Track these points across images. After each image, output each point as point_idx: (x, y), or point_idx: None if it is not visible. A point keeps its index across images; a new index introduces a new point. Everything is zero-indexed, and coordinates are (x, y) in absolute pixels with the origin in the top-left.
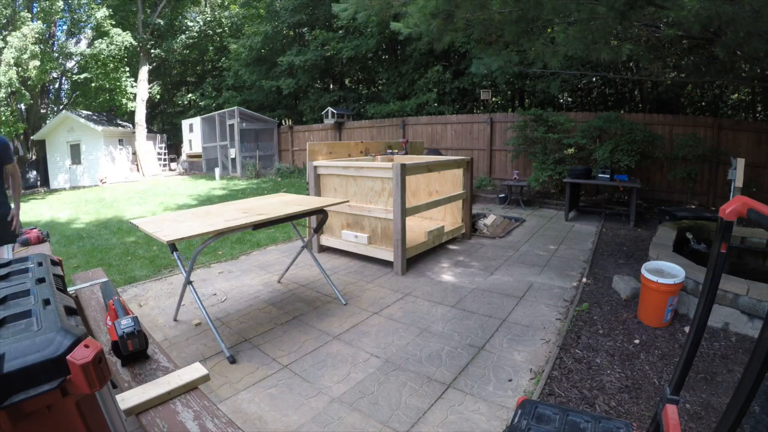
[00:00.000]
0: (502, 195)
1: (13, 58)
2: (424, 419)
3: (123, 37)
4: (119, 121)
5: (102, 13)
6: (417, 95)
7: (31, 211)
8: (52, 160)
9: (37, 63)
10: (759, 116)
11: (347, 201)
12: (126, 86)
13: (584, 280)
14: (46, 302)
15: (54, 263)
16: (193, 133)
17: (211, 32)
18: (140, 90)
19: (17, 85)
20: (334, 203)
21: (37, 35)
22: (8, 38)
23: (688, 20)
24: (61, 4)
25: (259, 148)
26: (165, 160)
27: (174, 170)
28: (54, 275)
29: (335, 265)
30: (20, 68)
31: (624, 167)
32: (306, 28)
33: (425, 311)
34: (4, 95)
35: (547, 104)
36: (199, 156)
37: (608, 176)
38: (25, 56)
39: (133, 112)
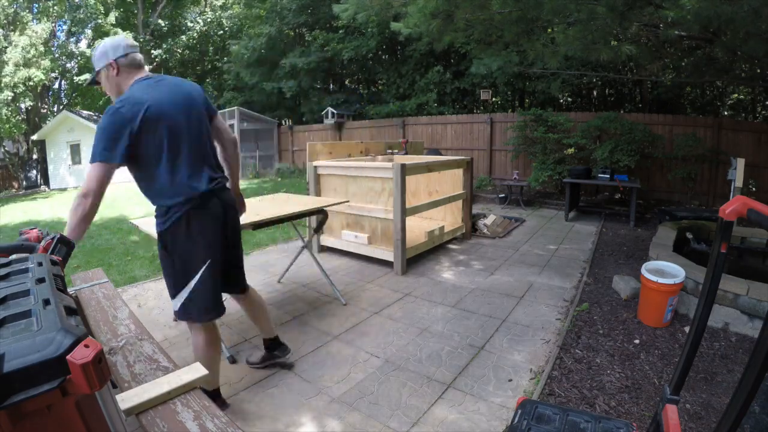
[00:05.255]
0: (502, 195)
1: (21, 58)
2: (424, 419)
3: None
4: None
5: (111, 18)
6: (417, 95)
7: (32, 211)
8: (52, 160)
9: (48, 63)
10: (759, 116)
11: (347, 201)
12: None
13: (584, 280)
14: (46, 302)
15: (54, 263)
16: None
17: (211, 33)
18: None
19: (22, 87)
20: (334, 203)
21: (39, 38)
22: (13, 39)
23: (687, 20)
24: (63, 6)
25: (259, 148)
26: None
27: None
28: (54, 275)
29: (335, 265)
30: (25, 69)
31: (624, 167)
32: (306, 29)
33: (425, 311)
34: (9, 96)
35: (547, 104)
36: None
37: (608, 176)
38: (29, 56)
39: None
